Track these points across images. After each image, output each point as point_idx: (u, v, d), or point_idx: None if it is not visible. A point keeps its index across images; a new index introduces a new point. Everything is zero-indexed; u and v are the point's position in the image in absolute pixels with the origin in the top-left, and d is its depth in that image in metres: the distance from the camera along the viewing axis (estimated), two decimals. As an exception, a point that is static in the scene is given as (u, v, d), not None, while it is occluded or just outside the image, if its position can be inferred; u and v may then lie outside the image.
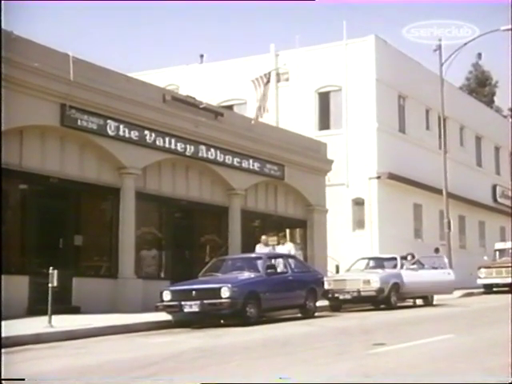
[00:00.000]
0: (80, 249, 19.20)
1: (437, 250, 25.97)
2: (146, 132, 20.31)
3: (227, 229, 23.68)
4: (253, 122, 24.31)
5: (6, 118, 16.24)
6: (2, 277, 16.21)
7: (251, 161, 24.21)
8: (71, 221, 19.06)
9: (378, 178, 32.02)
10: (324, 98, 33.55)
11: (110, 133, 19.28)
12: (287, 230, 28.31)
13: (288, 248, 21.43)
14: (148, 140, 20.36)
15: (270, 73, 25.23)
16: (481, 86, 59.80)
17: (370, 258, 24.63)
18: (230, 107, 31.97)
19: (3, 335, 12.66)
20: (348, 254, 27.64)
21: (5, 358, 10.95)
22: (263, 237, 21.75)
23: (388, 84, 32.86)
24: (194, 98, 22.84)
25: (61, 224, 18.74)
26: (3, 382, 6.06)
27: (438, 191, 31.83)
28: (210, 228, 24.11)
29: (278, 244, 22.08)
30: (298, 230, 28.36)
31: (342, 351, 10.87)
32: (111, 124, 19.28)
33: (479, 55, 55.98)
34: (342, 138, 32.33)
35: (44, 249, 18.02)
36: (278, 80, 33.62)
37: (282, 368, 9.36)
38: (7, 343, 12.33)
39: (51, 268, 14.78)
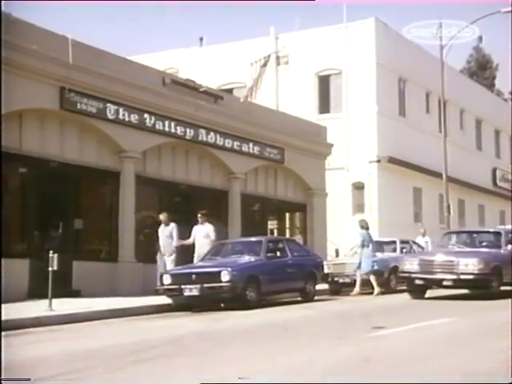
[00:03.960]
0: (80, 232, 19.20)
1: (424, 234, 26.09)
2: (146, 115, 20.25)
3: (227, 213, 23.70)
4: (242, 99, 23.86)
5: (5, 101, 16.31)
6: (2, 260, 16.27)
7: (251, 144, 24.17)
8: (71, 205, 19.05)
9: (378, 161, 32.00)
10: (324, 82, 33.47)
11: (110, 116, 19.22)
12: (287, 214, 28.36)
13: (206, 230, 18.88)
14: (148, 124, 20.31)
15: (268, 56, 25.07)
16: (481, 69, 59.62)
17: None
18: (230, 91, 31.88)
19: (3, 318, 12.71)
20: (348, 237, 27.66)
21: (5, 341, 11.00)
22: (161, 216, 18.96)
23: (388, 67, 32.77)
24: (193, 82, 22.78)
25: (61, 208, 18.74)
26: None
27: (438, 175, 31.80)
28: (210, 212, 24.01)
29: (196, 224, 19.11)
30: (297, 213, 28.40)
31: (341, 335, 10.90)
32: (111, 107, 19.21)
33: (480, 38, 55.68)
34: (342, 121, 32.28)
35: (44, 232, 18.05)
36: (278, 63, 33.52)
37: (283, 352, 9.40)
38: (8, 326, 12.38)
39: (51, 252, 14.77)
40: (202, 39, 37.28)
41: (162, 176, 21.41)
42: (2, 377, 6.31)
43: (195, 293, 15.78)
